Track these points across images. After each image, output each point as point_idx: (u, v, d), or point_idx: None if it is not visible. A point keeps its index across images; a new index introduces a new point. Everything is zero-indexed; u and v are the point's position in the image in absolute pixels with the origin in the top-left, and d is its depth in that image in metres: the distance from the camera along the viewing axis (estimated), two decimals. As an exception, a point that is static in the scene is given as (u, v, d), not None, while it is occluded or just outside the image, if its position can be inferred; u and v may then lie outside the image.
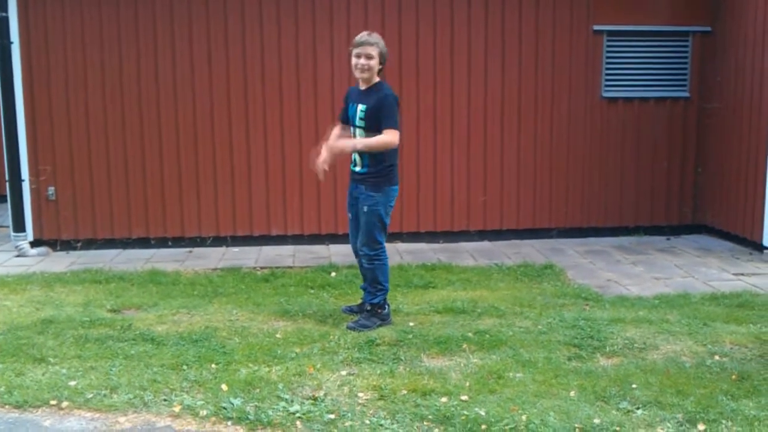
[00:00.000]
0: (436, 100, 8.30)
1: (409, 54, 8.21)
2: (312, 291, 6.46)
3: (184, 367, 4.61)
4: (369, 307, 5.44)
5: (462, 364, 4.65)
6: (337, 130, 5.56)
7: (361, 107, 5.29)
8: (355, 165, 5.43)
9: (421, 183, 8.39)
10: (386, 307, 5.50)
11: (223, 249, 8.22)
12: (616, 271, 7.19)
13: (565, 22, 8.35)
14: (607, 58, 8.45)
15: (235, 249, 8.21)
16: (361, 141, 5.27)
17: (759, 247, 7.68)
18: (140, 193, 8.21)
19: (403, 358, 4.76)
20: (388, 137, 5.18)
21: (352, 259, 7.43)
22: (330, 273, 7.01)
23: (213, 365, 4.62)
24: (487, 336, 5.10)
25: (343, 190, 8.19)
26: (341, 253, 7.84)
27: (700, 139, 8.66)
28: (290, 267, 7.36)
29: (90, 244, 8.23)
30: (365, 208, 5.35)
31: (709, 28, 8.45)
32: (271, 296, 6.25)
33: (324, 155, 5.38)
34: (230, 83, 8.15)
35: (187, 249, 8.21)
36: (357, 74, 5.31)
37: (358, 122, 5.31)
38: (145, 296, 6.27)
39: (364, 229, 5.39)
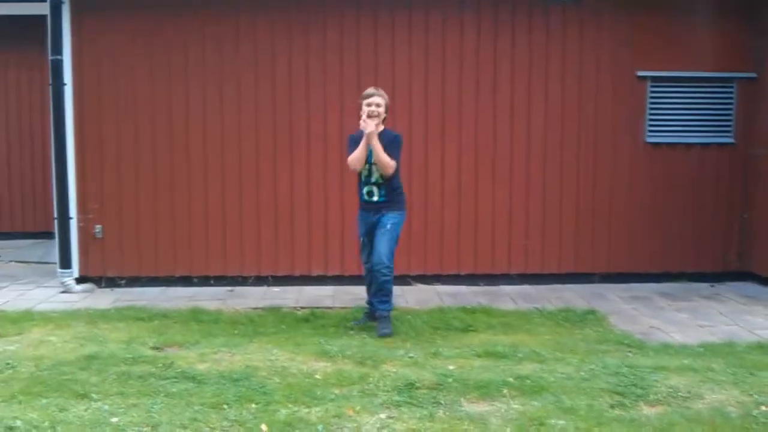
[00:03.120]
0: (477, 142, 8.34)
1: (451, 108, 8.33)
2: (352, 332, 6.46)
3: (225, 406, 4.62)
4: (386, 315, 6.38)
5: (502, 410, 4.59)
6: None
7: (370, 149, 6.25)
8: (372, 196, 6.40)
9: (462, 225, 8.39)
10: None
11: (264, 288, 8.29)
12: (659, 317, 7.09)
13: (608, 67, 8.36)
14: (651, 103, 8.43)
15: (276, 289, 8.26)
16: (379, 146, 6.17)
17: (807, 296, 7.53)
18: (185, 232, 8.34)
19: (442, 402, 4.72)
20: (392, 161, 6.24)
21: (393, 300, 7.48)
22: (370, 314, 7.01)
23: (253, 405, 4.63)
24: (528, 381, 5.04)
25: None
26: (381, 294, 7.86)
27: (745, 186, 8.56)
28: (330, 307, 7.39)
29: (134, 281, 8.36)
30: (389, 225, 6.33)
31: (754, 75, 8.39)
32: (311, 336, 6.26)
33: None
34: (276, 123, 8.29)
35: (229, 288, 8.29)
36: (367, 121, 6.21)
37: (372, 160, 6.28)
38: (186, 334, 6.31)
39: (386, 243, 6.29)
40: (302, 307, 7.38)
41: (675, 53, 8.38)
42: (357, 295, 7.87)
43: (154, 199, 8.31)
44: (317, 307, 7.36)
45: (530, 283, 8.46)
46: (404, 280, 8.39)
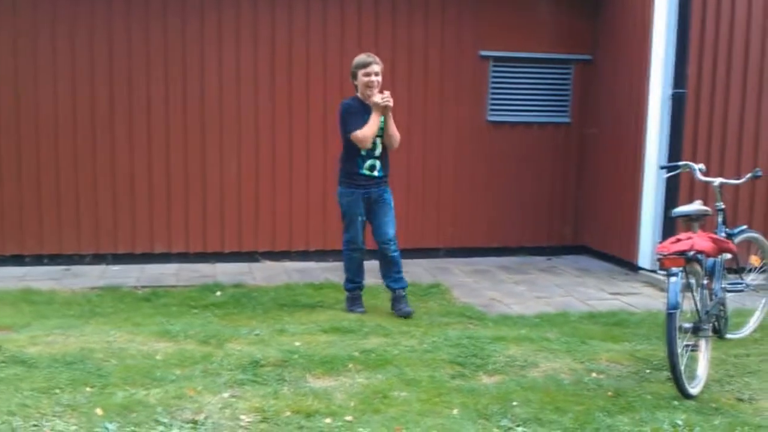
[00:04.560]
0: (326, 121, 8.27)
1: (300, 88, 8.26)
2: (195, 311, 6.30)
3: (57, 390, 4.38)
4: (404, 293, 6.30)
5: (347, 384, 4.61)
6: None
7: (381, 119, 6.01)
8: (374, 170, 6.12)
9: (310, 202, 8.35)
10: None
11: (102, 267, 7.94)
12: (499, 290, 7.34)
13: (452, 46, 8.52)
14: (493, 82, 8.67)
15: (116, 267, 7.94)
16: (391, 118, 6.06)
17: (634, 268, 8.01)
18: (15, 208, 7.84)
19: (287, 378, 4.68)
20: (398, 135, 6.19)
21: (239, 278, 7.40)
22: (215, 292, 6.87)
23: (88, 389, 4.41)
24: (373, 355, 5.09)
25: (230, 206, 8.14)
26: (227, 271, 7.72)
27: (579, 163, 8.98)
28: (173, 286, 7.17)
29: (-42, 261, 7.81)
30: (392, 203, 6.22)
31: (590, 57, 8.79)
32: (152, 316, 6.06)
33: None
34: (113, 92, 7.93)
35: (65, 267, 7.88)
36: (368, 92, 5.99)
37: (378, 131, 6.04)
38: (16, 316, 5.96)
39: (392, 220, 6.21)
40: (143, 286, 7.13)
41: (517, 34, 8.64)
42: (202, 272, 7.71)
43: (-20, 174, 7.77)
44: (159, 286, 7.13)
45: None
46: (252, 256, 8.27)
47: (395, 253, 6.25)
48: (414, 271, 8.02)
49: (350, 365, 4.91)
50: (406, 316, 6.13)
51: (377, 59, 6.04)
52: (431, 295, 7.01)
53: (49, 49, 7.78)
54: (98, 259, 8.06)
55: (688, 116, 7.60)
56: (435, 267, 8.24)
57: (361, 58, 6.05)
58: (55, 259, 7.98)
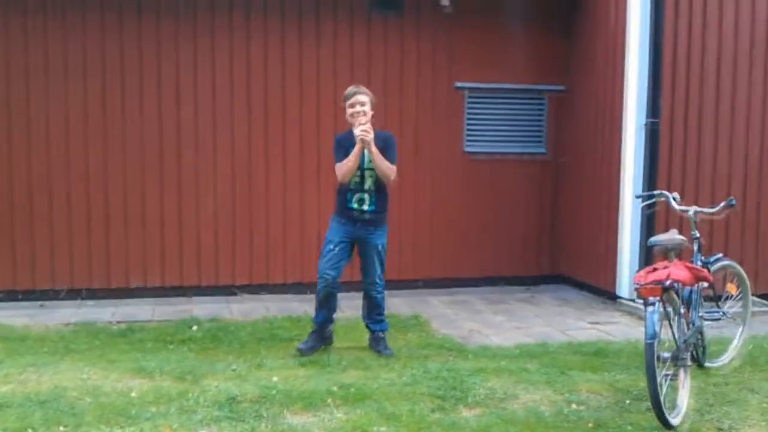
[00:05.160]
0: (302, 154, 8.29)
1: (274, 116, 8.27)
2: (171, 346, 6.22)
3: (30, 430, 4.29)
4: (383, 335, 6.11)
5: (326, 420, 4.55)
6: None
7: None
8: (362, 204, 5.90)
9: (288, 235, 8.32)
10: None
11: (77, 302, 7.83)
12: (478, 320, 7.32)
13: (427, 78, 8.56)
14: (468, 113, 8.72)
15: (91, 303, 7.83)
16: (377, 153, 5.74)
17: (613, 297, 8.02)
18: (-13, 244, 7.74)
19: (265, 415, 4.61)
20: (394, 169, 5.87)
21: (215, 312, 7.32)
22: (191, 327, 6.79)
23: (61, 428, 4.33)
24: (352, 390, 5.03)
25: (206, 240, 8.08)
26: (204, 306, 7.65)
27: (555, 193, 9.02)
28: (149, 321, 7.08)
29: (-72, 298, 7.68)
30: (379, 246, 5.99)
31: (562, 87, 8.87)
32: (127, 353, 5.97)
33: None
34: (88, 121, 7.90)
35: (39, 303, 7.76)
36: (356, 121, 5.76)
37: (367, 164, 5.83)
38: (-12, 354, 5.85)
39: (378, 264, 6.02)
40: (118, 322, 7.03)
41: (491, 66, 8.71)
42: (178, 307, 7.62)
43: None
44: (135, 321, 7.03)
45: (357, 290, 8.45)
46: (230, 290, 8.20)
47: (379, 296, 6.11)
48: (393, 303, 7.96)
49: (329, 400, 4.85)
50: (389, 356, 5.95)
51: (364, 90, 5.87)
52: (410, 327, 6.98)
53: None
54: (73, 294, 7.94)
55: (662, 145, 7.68)
56: (414, 299, 8.20)
57: (348, 89, 5.91)
58: (29, 294, 7.86)
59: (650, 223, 7.53)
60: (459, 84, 8.63)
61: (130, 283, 8.06)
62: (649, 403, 4.50)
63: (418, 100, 8.57)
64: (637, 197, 6.77)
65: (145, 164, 8.02)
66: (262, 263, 8.33)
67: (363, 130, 5.70)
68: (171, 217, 8.08)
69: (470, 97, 8.71)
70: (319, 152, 8.28)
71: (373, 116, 5.87)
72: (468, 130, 8.73)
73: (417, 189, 8.62)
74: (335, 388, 5.05)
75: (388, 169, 5.83)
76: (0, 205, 7.77)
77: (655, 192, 6.06)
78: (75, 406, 4.67)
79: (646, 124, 7.64)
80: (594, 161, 8.38)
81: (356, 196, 5.90)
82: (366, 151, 5.79)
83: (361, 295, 6.17)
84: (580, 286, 8.73)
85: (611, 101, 8.02)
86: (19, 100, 7.76)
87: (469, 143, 8.74)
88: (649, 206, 6.77)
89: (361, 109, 5.78)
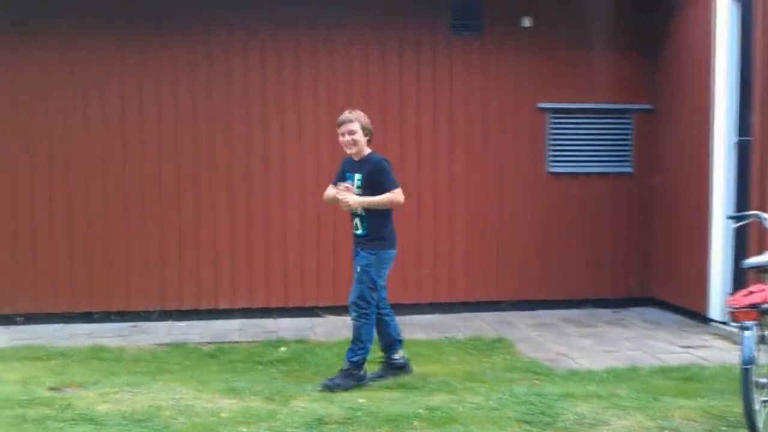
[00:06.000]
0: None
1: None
2: (260, 367, 6.33)
3: (126, 449, 4.44)
4: (347, 366, 5.72)
5: (413, 443, 4.56)
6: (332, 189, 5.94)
7: (357, 176, 5.77)
8: (356, 229, 5.85)
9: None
10: (363, 369, 5.80)
11: (168, 323, 8.05)
12: (565, 344, 7.21)
13: (509, 99, 8.54)
14: (551, 134, 8.64)
15: (182, 323, 8.04)
16: (367, 199, 5.70)
17: (705, 320, 7.78)
18: (84, 266, 8.06)
19: (352, 436, 4.66)
20: (393, 195, 5.71)
21: (302, 333, 7.42)
22: (279, 348, 6.90)
23: (156, 447, 4.47)
24: (438, 413, 5.02)
25: (293, 262, 8.23)
26: (291, 327, 7.76)
27: (644, 214, 8.84)
28: (238, 342, 7.23)
29: (31, 318, 8.01)
30: (359, 268, 5.78)
31: (650, 106, 8.71)
32: (218, 373, 6.11)
33: (332, 192, 5.89)
34: (180, 154, 8.14)
35: (132, 323, 8.02)
36: (347, 150, 5.79)
37: (355, 190, 5.76)
38: (86, 373, 6.06)
39: (356, 286, 5.79)
40: (208, 343, 7.20)
41: (574, 86, 8.62)
42: (266, 328, 7.75)
43: (51, 233, 8.01)
44: (224, 342, 7.19)
45: (441, 312, 8.48)
46: (314, 312, 8.30)
47: (355, 321, 5.78)
48: (477, 325, 7.95)
49: (415, 423, 4.85)
50: (326, 388, 5.59)
51: (355, 116, 5.73)
52: (495, 349, 6.92)
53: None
54: (165, 315, 8.18)
55: (753, 164, 7.44)
56: (498, 321, 8.14)
57: (341, 116, 5.82)
58: (123, 315, 8.13)
59: (742, 244, 7.30)
60: (542, 105, 8.57)
61: (219, 305, 8.25)
62: (746, 431, 4.35)
63: (500, 121, 8.55)
64: (729, 218, 6.57)
65: (234, 189, 8.22)
66: (345, 285, 8.38)
67: (344, 200, 5.72)
68: (258, 241, 8.25)
69: (553, 117, 8.63)
70: (402, 178, 8.27)
71: (370, 141, 5.80)
72: (551, 150, 8.65)
73: (500, 210, 8.58)
74: (422, 411, 5.05)
75: (389, 203, 5.73)
76: (95, 234, 8.08)
77: (748, 213, 5.87)
78: (169, 426, 4.80)
79: (737, 143, 7.43)
80: (683, 181, 8.18)
81: (354, 220, 5.88)
82: (352, 175, 5.79)
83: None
84: (670, 308, 8.51)
85: (699, 120, 7.83)
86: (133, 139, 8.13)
87: (552, 163, 8.66)
88: (741, 227, 6.57)
89: (349, 138, 5.71)
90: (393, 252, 5.88)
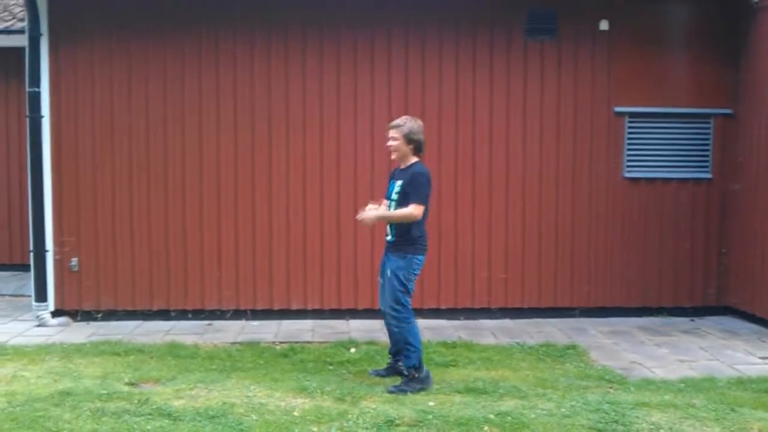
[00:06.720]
0: (456, 177, 8.35)
1: (431, 138, 8.31)
2: (331, 367, 6.39)
3: (201, 444, 4.54)
4: (406, 372, 5.79)
5: (483, 447, 4.55)
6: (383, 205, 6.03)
7: (398, 183, 5.89)
8: (387, 235, 5.97)
9: (442, 258, 8.36)
10: (423, 369, 5.84)
11: (242, 322, 8.20)
12: (640, 352, 7.08)
13: (586, 103, 8.43)
14: (629, 139, 8.49)
15: (255, 323, 8.18)
16: (382, 214, 5.90)
17: (785, 331, 7.55)
18: (162, 266, 8.26)
19: (422, 439, 4.66)
20: (408, 211, 5.73)
21: (372, 335, 7.45)
22: (349, 349, 6.96)
23: (230, 443, 4.55)
24: (509, 418, 4.99)
25: (363, 265, 8.28)
26: (361, 328, 7.81)
27: (723, 220, 8.61)
28: (309, 342, 7.31)
29: (110, 315, 8.25)
30: (388, 272, 5.85)
31: (730, 111, 8.49)
32: (290, 372, 6.19)
33: (361, 214, 6.00)
34: (254, 156, 8.27)
35: (207, 322, 8.19)
36: (392, 155, 6.05)
37: (393, 196, 5.89)
38: (163, 369, 6.23)
39: (389, 291, 5.85)
40: (281, 342, 7.30)
41: (652, 90, 8.46)
42: (337, 329, 7.83)
43: (131, 232, 8.24)
44: (296, 342, 7.28)
45: (511, 317, 8.42)
46: (381, 313, 8.32)
47: (394, 327, 5.89)
48: (548, 331, 7.87)
49: (486, 428, 4.84)
50: (390, 393, 5.62)
51: (398, 123, 5.89)
52: (567, 356, 6.84)
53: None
54: (238, 314, 8.33)
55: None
56: (570, 327, 8.04)
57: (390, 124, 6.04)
58: (198, 314, 8.31)
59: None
60: (619, 109, 8.43)
61: (291, 305, 8.36)
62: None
63: (576, 125, 8.44)
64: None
65: (306, 194, 8.32)
66: (417, 287, 8.39)
67: (358, 218, 6.00)
68: (329, 246, 8.33)
69: (630, 121, 8.49)
70: (473, 181, 8.34)
71: (416, 149, 5.87)
72: (628, 155, 8.50)
73: (574, 215, 8.47)
74: (492, 416, 5.03)
75: (402, 218, 5.75)
76: (174, 238, 8.28)
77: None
78: (242, 423, 4.89)
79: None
80: (763, 187, 7.93)
81: (386, 227, 6.00)
82: (394, 182, 5.94)
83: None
84: (748, 317, 8.26)
85: (784, 124, 7.60)
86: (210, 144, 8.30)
87: (629, 168, 8.51)
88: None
89: (390, 144, 5.91)
90: (421, 258, 5.91)
